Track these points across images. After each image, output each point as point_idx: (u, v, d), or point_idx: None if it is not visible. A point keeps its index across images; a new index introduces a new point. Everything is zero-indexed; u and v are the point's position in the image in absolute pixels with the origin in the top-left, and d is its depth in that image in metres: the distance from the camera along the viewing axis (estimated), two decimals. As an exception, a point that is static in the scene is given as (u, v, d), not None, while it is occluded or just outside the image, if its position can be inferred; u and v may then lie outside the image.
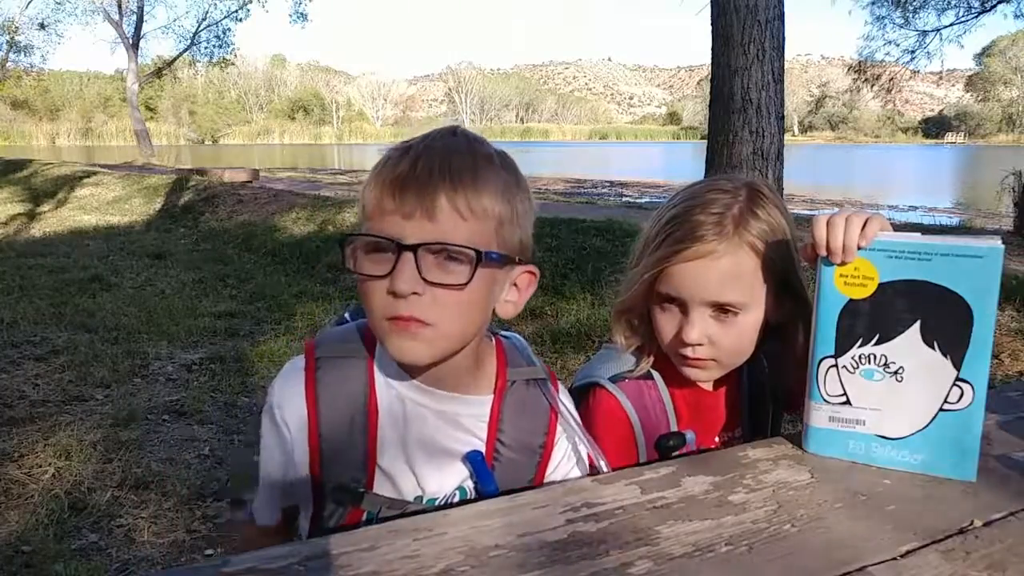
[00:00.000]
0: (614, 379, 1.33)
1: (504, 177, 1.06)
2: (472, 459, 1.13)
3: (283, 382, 1.14)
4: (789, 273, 1.28)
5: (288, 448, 1.13)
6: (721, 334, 1.25)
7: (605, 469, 1.19)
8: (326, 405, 1.10)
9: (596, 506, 1.01)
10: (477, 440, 1.14)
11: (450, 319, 1.02)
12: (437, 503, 1.14)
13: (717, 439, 1.37)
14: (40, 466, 3.60)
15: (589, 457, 1.23)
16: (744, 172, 5.98)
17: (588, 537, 0.92)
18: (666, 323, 1.29)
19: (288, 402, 1.12)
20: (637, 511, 1.00)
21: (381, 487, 1.12)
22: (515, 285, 1.12)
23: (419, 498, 1.13)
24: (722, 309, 1.24)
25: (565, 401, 1.23)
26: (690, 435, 1.31)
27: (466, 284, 1.00)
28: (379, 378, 1.12)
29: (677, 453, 1.32)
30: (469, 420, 1.14)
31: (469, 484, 1.15)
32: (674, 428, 1.32)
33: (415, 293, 0.99)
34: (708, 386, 1.37)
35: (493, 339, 1.21)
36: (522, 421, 1.17)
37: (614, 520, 0.97)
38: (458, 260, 1.00)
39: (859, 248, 1.11)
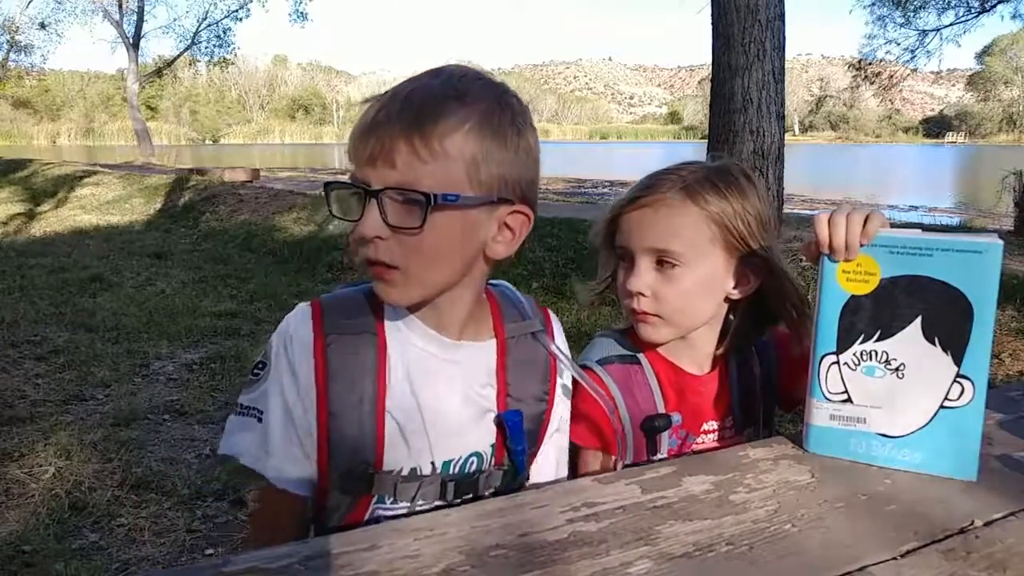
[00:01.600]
0: (602, 362, 1.36)
1: (484, 112, 1.03)
2: (509, 418, 1.15)
3: (296, 330, 1.13)
4: (755, 250, 1.30)
5: (304, 398, 1.11)
6: (664, 288, 1.29)
7: (601, 393, 1.23)
8: (333, 376, 1.09)
9: (596, 506, 1.01)
10: (490, 389, 1.16)
11: (416, 263, 1.04)
12: (453, 466, 1.14)
13: (706, 426, 1.38)
14: (40, 465, 3.60)
15: (572, 415, 1.29)
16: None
17: (588, 537, 0.92)
18: (620, 277, 1.35)
19: (300, 356, 1.11)
20: (637, 511, 1.00)
21: (394, 455, 1.11)
22: (507, 226, 1.09)
23: (433, 464, 1.13)
24: (663, 258, 1.28)
25: (559, 343, 1.25)
26: (676, 417, 1.33)
27: (420, 227, 1.00)
28: (392, 337, 1.12)
29: (666, 438, 1.33)
30: (479, 367, 1.16)
31: (484, 449, 1.16)
32: (661, 411, 1.33)
33: (379, 237, 1.01)
34: (694, 371, 1.38)
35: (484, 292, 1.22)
36: (526, 374, 1.20)
37: (614, 520, 0.97)
38: (416, 204, 1.00)
39: (861, 245, 1.11)
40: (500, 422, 1.16)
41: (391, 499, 1.11)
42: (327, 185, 1.08)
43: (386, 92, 1.04)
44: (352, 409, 1.09)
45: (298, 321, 1.14)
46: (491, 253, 1.10)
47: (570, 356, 1.25)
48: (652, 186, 1.31)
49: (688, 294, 1.29)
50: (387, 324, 1.12)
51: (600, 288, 1.44)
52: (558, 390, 1.25)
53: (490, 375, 1.17)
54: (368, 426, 1.09)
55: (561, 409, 1.27)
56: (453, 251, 1.06)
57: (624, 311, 1.37)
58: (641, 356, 1.37)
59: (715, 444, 1.36)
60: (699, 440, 1.37)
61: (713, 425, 1.38)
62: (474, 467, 1.16)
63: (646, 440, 1.32)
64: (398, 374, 1.11)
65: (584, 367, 1.35)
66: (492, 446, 1.17)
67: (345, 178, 1.05)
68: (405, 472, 1.11)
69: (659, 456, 1.31)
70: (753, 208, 1.30)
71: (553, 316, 1.30)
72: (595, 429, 1.30)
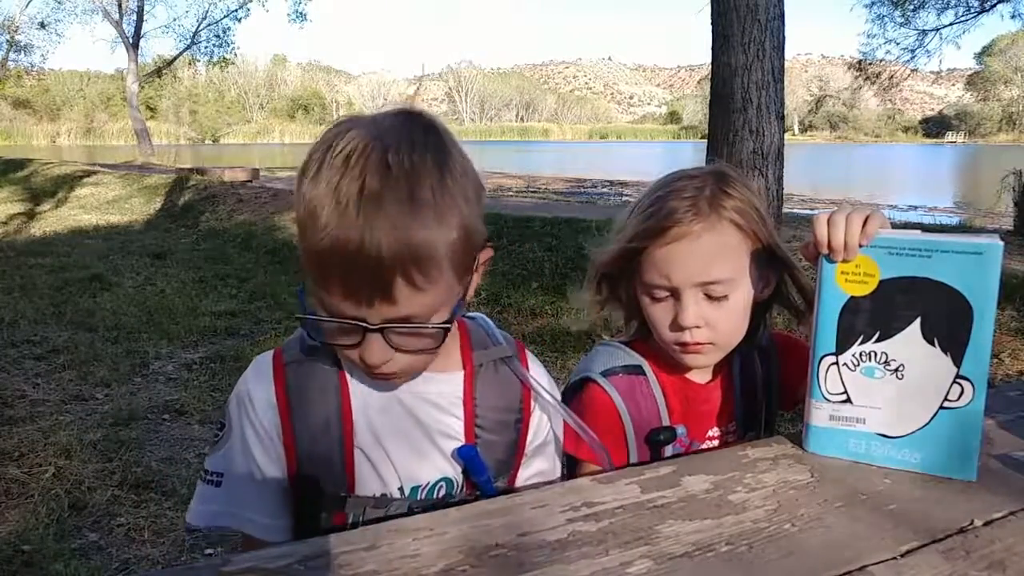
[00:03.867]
0: (605, 373, 1.34)
1: (446, 192, 0.96)
2: (464, 454, 1.13)
3: (254, 381, 1.13)
4: (771, 245, 1.30)
5: (269, 450, 1.12)
6: (716, 315, 1.26)
7: (591, 436, 1.22)
8: (298, 412, 1.10)
9: (596, 505, 1.01)
10: (455, 419, 1.15)
11: (422, 365, 1.08)
12: (420, 491, 1.14)
13: (710, 433, 1.38)
14: (40, 465, 3.60)
15: (566, 426, 1.24)
16: (744, 171, 5.96)
17: (588, 536, 0.92)
18: (660, 313, 1.30)
19: (262, 412, 1.11)
20: (637, 510, 1.00)
21: (363, 482, 1.12)
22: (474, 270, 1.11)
23: (401, 489, 1.13)
24: (712, 290, 1.25)
25: (536, 374, 1.22)
26: (680, 429, 1.32)
27: (436, 348, 1.03)
28: (352, 372, 1.12)
29: (671, 450, 1.33)
30: (443, 399, 1.14)
31: (454, 475, 1.15)
32: (666, 423, 1.33)
33: (387, 361, 1.01)
34: (700, 379, 1.38)
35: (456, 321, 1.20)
36: (496, 401, 1.18)
37: (614, 519, 0.97)
38: (427, 332, 1.01)
39: (860, 246, 1.11)
40: (455, 457, 1.15)
41: (362, 521, 1.11)
42: (306, 320, 1.02)
43: (345, 189, 0.92)
44: (321, 447, 1.10)
45: (255, 378, 1.14)
46: (467, 298, 1.10)
47: (550, 388, 1.23)
48: (671, 217, 1.25)
49: (739, 315, 1.29)
50: (349, 368, 1.12)
51: (607, 311, 1.42)
52: (534, 413, 1.22)
53: (456, 405, 1.15)
54: (337, 459, 1.10)
55: (542, 430, 1.24)
56: (440, 350, 1.06)
57: (666, 345, 1.31)
58: (646, 366, 1.35)
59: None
60: (703, 446, 1.36)
61: (716, 431, 1.38)
62: (443, 492, 1.15)
63: (650, 452, 1.32)
64: (359, 408, 1.12)
65: (587, 379, 1.34)
66: (463, 472, 1.15)
67: (317, 295, 1.00)
68: (377, 495, 1.12)
69: None
70: (757, 199, 1.30)
71: (530, 354, 1.26)
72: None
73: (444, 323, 1.01)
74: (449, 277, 0.99)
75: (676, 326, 1.27)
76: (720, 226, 1.25)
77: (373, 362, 1.00)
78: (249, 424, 1.12)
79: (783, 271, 1.33)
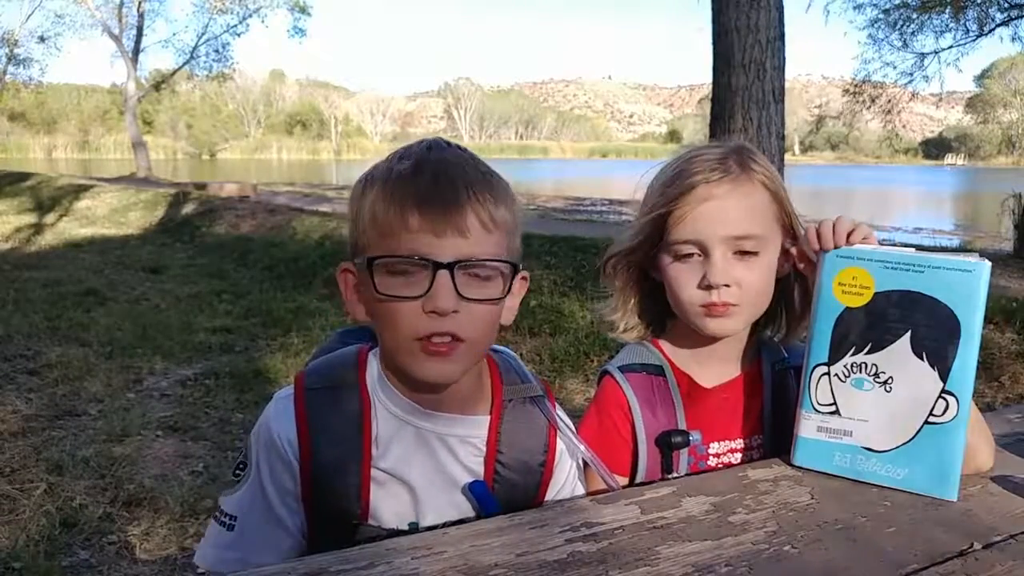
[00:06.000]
0: (624, 369, 1.32)
1: (505, 186, 1.08)
2: (475, 490, 1.11)
3: (275, 415, 1.12)
4: (792, 219, 1.29)
5: (294, 472, 1.10)
6: (745, 275, 1.23)
7: (606, 477, 1.20)
8: (318, 437, 1.08)
9: (596, 526, 1.00)
10: (475, 460, 1.13)
11: (482, 333, 1.05)
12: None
13: (732, 445, 1.33)
14: (32, 481, 3.58)
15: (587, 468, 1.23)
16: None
17: (588, 557, 0.92)
18: (686, 274, 1.25)
19: (283, 433, 1.10)
20: (637, 531, 0.99)
21: (377, 514, 1.10)
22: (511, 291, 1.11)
23: (414, 524, 1.11)
24: (744, 244, 1.22)
25: (563, 417, 1.21)
26: (695, 435, 1.27)
27: (502, 298, 1.05)
28: (375, 404, 1.10)
29: (684, 455, 1.29)
30: (467, 442, 1.13)
31: (472, 516, 1.13)
32: (682, 426, 1.29)
33: (454, 311, 1.00)
34: (706, 383, 1.33)
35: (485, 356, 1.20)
36: (521, 440, 1.16)
37: (614, 540, 0.96)
38: (491, 274, 1.03)
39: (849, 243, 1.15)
40: (466, 492, 1.13)
41: None
42: (375, 260, 1.01)
43: (415, 158, 1.05)
44: (338, 470, 1.08)
45: (278, 416, 1.11)
46: (504, 321, 1.11)
47: (572, 428, 1.22)
48: (702, 172, 1.23)
49: (767, 277, 1.26)
50: (373, 399, 1.11)
51: (633, 316, 1.38)
52: (559, 454, 1.20)
53: (481, 442, 1.13)
54: (353, 485, 1.08)
55: (567, 483, 1.22)
56: (499, 319, 1.09)
57: (689, 314, 1.27)
58: (666, 367, 1.32)
59: (740, 464, 1.31)
60: (725, 459, 1.32)
61: (740, 443, 1.33)
62: None
63: (661, 456, 1.28)
64: (380, 440, 1.10)
65: (605, 372, 1.34)
66: (477, 515, 1.13)
67: (383, 249, 1.01)
68: (387, 527, 1.10)
69: (675, 476, 1.26)
70: (779, 179, 1.30)
71: (557, 404, 1.24)
72: (608, 454, 1.27)
73: (507, 260, 1.04)
74: (502, 239, 1.04)
75: (704, 284, 1.23)
76: (750, 184, 1.24)
77: (443, 306, 0.99)
78: (268, 469, 1.10)
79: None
